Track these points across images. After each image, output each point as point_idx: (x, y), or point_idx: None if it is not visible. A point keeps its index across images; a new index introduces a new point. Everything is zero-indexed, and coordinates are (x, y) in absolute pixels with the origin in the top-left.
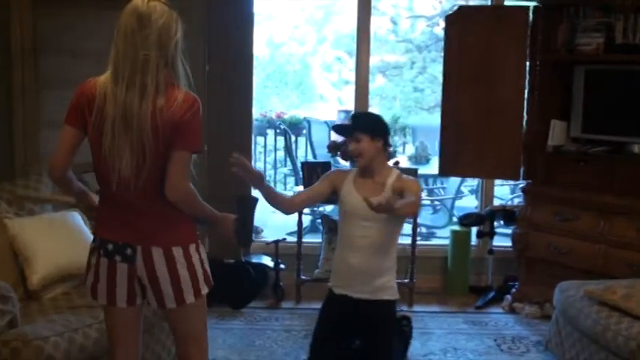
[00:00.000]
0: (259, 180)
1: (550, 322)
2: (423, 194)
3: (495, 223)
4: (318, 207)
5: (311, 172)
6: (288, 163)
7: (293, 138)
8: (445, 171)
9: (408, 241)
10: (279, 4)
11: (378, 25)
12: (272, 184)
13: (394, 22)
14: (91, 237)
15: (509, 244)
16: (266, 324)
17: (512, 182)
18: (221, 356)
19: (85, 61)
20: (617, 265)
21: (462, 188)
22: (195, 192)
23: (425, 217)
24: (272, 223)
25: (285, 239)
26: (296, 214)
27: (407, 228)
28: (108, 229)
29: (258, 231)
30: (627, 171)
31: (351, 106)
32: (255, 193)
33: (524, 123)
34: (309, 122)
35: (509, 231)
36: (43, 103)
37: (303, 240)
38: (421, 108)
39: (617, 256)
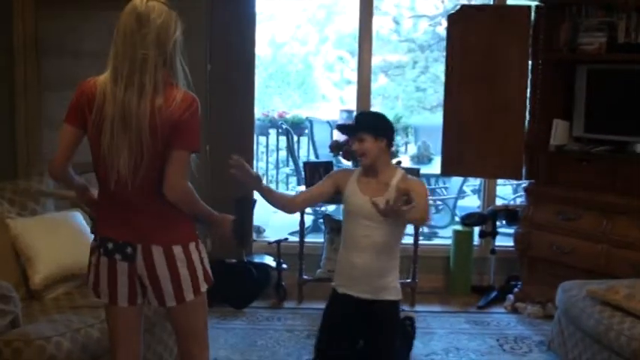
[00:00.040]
0: (257, 182)
1: (552, 322)
2: None
3: (498, 223)
4: (320, 207)
5: (313, 171)
6: (290, 162)
7: (295, 138)
8: (447, 171)
9: (410, 240)
10: (281, 3)
11: (380, 24)
12: (274, 184)
13: (396, 22)
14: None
15: (512, 243)
16: (268, 324)
17: (514, 182)
18: (223, 356)
19: (86, 61)
20: (620, 264)
21: (465, 188)
22: (194, 191)
23: None
24: (274, 223)
25: (287, 239)
26: (298, 214)
27: (409, 228)
28: (108, 227)
29: (260, 231)
30: (630, 170)
31: (353, 105)
32: (255, 194)
33: (526, 122)
34: (311, 122)
35: (511, 231)
36: (45, 103)
37: (305, 240)
38: (423, 108)
39: (619, 255)
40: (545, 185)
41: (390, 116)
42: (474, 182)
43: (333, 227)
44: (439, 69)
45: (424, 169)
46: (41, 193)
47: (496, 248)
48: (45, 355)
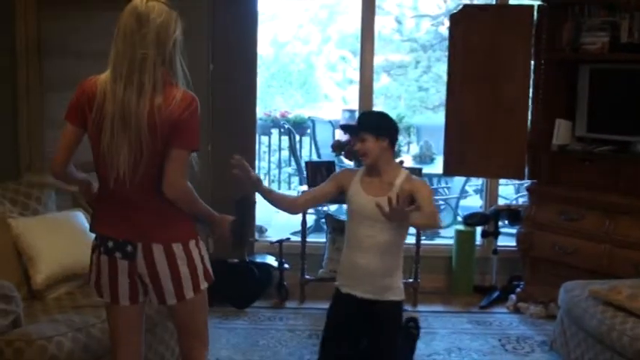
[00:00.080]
0: (256, 184)
1: (555, 322)
2: None
3: (500, 223)
4: (322, 206)
5: (315, 171)
6: (293, 162)
7: (297, 137)
8: (450, 170)
9: (412, 240)
10: (284, 3)
11: (382, 24)
12: (276, 184)
13: (399, 22)
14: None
15: (514, 243)
16: (270, 324)
17: (516, 182)
18: (225, 356)
19: (89, 62)
20: (623, 265)
21: (467, 188)
22: (193, 190)
23: None
24: (276, 223)
25: (289, 239)
26: (300, 214)
27: (411, 227)
28: (108, 225)
29: (263, 230)
30: (632, 170)
31: (355, 105)
32: (256, 195)
33: (529, 122)
34: (313, 122)
35: (513, 231)
36: (47, 104)
37: (307, 239)
38: (426, 107)
39: (622, 255)
40: (547, 185)
41: (393, 116)
42: (477, 182)
43: (335, 227)
44: (441, 69)
45: (426, 169)
46: (42, 185)
47: (498, 248)
48: (46, 355)
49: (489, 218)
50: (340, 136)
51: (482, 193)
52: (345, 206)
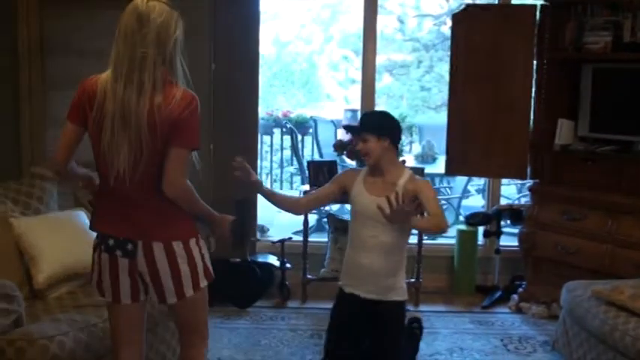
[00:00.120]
0: (257, 186)
1: (557, 322)
2: None
3: (502, 223)
4: (324, 206)
5: (317, 171)
6: (295, 162)
7: (299, 137)
8: (452, 170)
9: (414, 240)
10: (286, 2)
11: (384, 23)
12: (278, 183)
13: (401, 21)
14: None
15: (516, 243)
16: (272, 323)
17: (519, 181)
18: (227, 356)
19: (91, 61)
20: (625, 265)
21: (469, 187)
22: (193, 189)
23: None
24: (278, 223)
25: (291, 238)
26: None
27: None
28: (108, 224)
29: (264, 230)
30: (635, 170)
31: (357, 105)
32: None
33: (531, 122)
34: (315, 121)
35: (516, 230)
36: (50, 103)
37: (309, 239)
38: (428, 107)
39: (624, 256)
40: (550, 185)
41: (395, 115)
42: (479, 182)
43: (337, 227)
44: (444, 68)
45: (428, 169)
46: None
47: (500, 248)
48: (48, 354)
49: (491, 218)
50: (342, 135)
51: (485, 193)
52: (347, 206)
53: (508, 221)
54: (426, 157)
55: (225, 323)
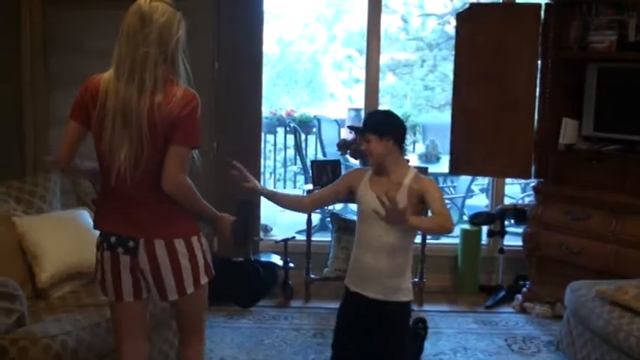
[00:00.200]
0: (254, 190)
1: (561, 322)
2: None
3: (506, 222)
4: (330, 205)
5: (320, 170)
6: (298, 161)
7: (303, 136)
8: (456, 169)
9: (417, 239)
10: (290, 2)
11: (388, 23)
12: (282, 183)
13: (405, 20)
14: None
15: (520, 243)
16: (275, 323)
17: (523, 181)
18: (229, 355)
19: (94, 60)
20: (629, 265)
21: (473, 187)
22: (193, 187)
23: None
24: (281, 222)
25: (294, 238)
26: (305, 213)
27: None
28: (110, 222)
29: (268, 229)
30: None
31: (361, 104)
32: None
33: (535, 121)
34: (319, 120)
35: (520, 230)
36: (53, 102)
37: (313, 238)
38: (432, 106)
39: (629, 255)
40: (554, 184)
41: (399, 115)
42: (482, 181)
43: (340, 226)
44: (447, 67)
45: (432, 168)
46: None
47: (504, 248)
48: (51, 353)
49: (495, 217)
50: (346, 134)
51: (488, 193)
52: (350, 205)
53: (512, 221)
54: (430, 157)
55: (228, 323)
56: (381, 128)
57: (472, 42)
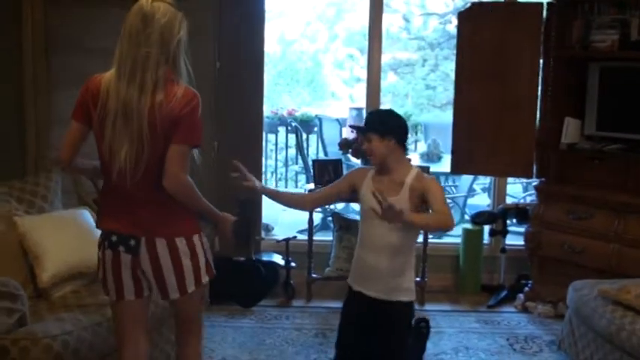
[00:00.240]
0: (255, 190)
1: (563, 322)
2: None
3: (508, 222)
4: (332, 204)
5: (322, 169)
6: (300, 160)
7: (304, 135)
8: (457, 169)
9: (419, 239)
10: (291, 1)
11: (390, 22)
12: (283, 182)
13: (406, 20)
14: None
15: (522, 242)
16: (276, 322)
17: (525, 180)
18: (231, 355)
19: (96, 60)
20: (632, 264)
21: (474, 186)
22: (194, 186)
23: None
24: (282, 221)
25: (295, 237)
26: (307, 213)
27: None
28: (112, 220)
29: (269, 229)
30: None
31: (362, 103)
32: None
33: (537, 120)
34: (320, 120)
35: (522, 229)
36: (54, 102)
37: (314, 238)
38: (433, 105)
39: (631, 255)
40: (556, 184)
41: (400, 114)
42: (484, 180)
43: (342, 225)
44: (449, 67)
45: (434, 167)
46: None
47: (506, 247)
48: (52, 353)
49: (497, 217)
50: (347, 134)
51: (490, 192)
52: (352, 205)
53: (514, 220)
54: (432, 156)
55: (229, 322)
56: (383, 127)
57: (474, 41)
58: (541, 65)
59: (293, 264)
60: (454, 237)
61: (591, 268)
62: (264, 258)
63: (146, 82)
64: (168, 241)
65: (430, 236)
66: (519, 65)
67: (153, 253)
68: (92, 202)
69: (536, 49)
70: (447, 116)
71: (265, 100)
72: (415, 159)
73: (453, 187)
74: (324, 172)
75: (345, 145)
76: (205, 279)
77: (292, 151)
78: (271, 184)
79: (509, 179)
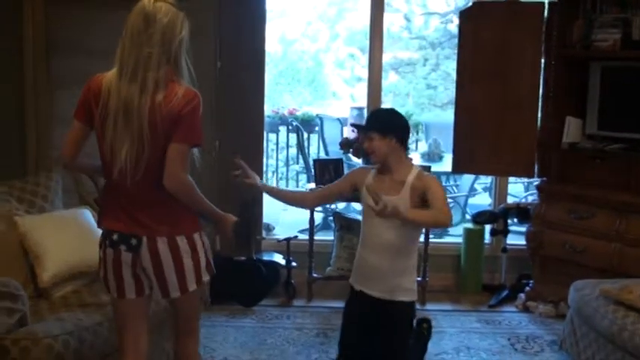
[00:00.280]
0: (255, 188)
1: (565, 322)
2: None
3: (509, 221)
4: (329, 204)
5: (323, 169)
6: (300, 160)
7: (305, 135)
8: (459, 168)
9: (420, 238)
10: (292, 0)
11: (391, 21)
12: (284, 181)
13: (407, 19)
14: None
15: (523, 242)
16: (277, 322)
17: (526, 180)
18: (232, 354)
19: (97, 60)
20: (634, 264)
21: (476, 186)
22: (194, 185)
23: None
24: (283, 221)
25: (296, 237)
26: (308, 212)
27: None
28: (113, 219)
29: (270, 228)
30: None
31: (363, 103)
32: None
33: (538, 120)
34: (321, 119)
35: (523, 229)
36: (56, 102)
37: (315, 237)
38: (434, 105)
39: (633, 254)
40: (557, 183)
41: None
42: (485, 180)
43: (342, 225)
44: (450, 66)
45: (435, 167)
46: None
47: (507, 246)
48: (52, 353)
49: (498, 216)
50: (348, 133)
51: (492, 191)
52: (353, 204)
53: (515, 220)
54: (433, 156)
55: (230, 322)
56: (384, 126)
57: (475, 40)
58: (542, 64)
59: (294, 264)
60: (455, 237)
61: (593, 268)
62: (265, 257)
63: (148, 81)
64: (169, 239)
65: (431, 236)
66: (521, 64)
67: (154, 251)
68: (93, 202)
69: (538, 48)
70: (448, 116)
71: (266, 99)
72: (416, 158)
73: (454, 187)
74: (325, 171)
75: (346, 144)
76: (206, 277)
77: (293, 151)
78: (272, 184)
79: (511, 179)
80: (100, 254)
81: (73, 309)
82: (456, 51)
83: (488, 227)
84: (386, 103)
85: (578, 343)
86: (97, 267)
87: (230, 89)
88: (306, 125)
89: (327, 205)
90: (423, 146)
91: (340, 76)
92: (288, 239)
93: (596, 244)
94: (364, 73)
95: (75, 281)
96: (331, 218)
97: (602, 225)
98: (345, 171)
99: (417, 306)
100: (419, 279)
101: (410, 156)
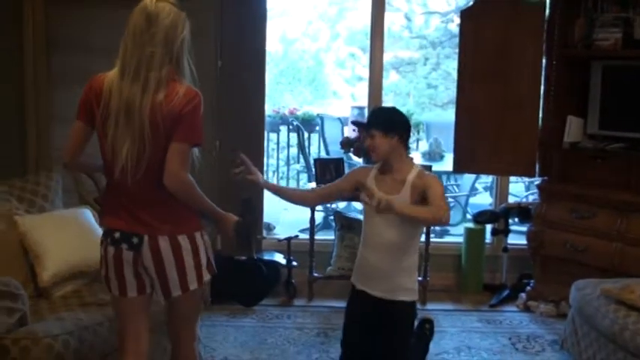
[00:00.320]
0: (257, 185)
1: (566, 321)
2: None
3: (510, 221)
4: (330, 203)
5: (324, 168)
6: (301, 159)
7: (306, 134)
8: (460, 167)
9: (421, 238)
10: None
11: (391, 21)
12: (284, 181)
13: (408, 19)
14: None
15: (524, 241)
16: (278, 322)
17: (527, 179)
18: (232, 354)
19: (97, 59)
20: (635, 263)
21: (477, 185)
22: (194, 184)
23: None
24: (284, 220)
25: (297, 236)
26: (308, 212)
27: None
28: (114, 218)
29: (271, 228)
30: None
31: (364, 102)
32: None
33: (539, 119)
34: (322, 118)
35: (524, 228)
36: (56, 101)
37: (316, 237)
38: (435, 104)
39: (634, 254)
40: (558, 183)
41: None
42: (486, 179)
43: (343, 224)
44: (451, 66)
45: (436, 167)
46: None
47: (508, 246)
48: (52, 353)
49: (499, 216)
50: (349, 132)
51: (492, 191)
52: (354, 203)
53: (516, 219)
54: (434, 155)
55: (231, 321)
56: (386, 124)
57: (476, 40)
58: (543, 64)
59: (294, 263)
60: (456, 236)
61: (594, 267)
62: (266, 257)
63: (149, 81)
64: (171, 238)
65: (432, 235)
66: (522, 64)
67: (155, 250)
68: (93, 201)
69: (539, 47)
70: (449, 115)
71: (267, 99)
72: (417, 158)
73: (455, 186)
74: (326, 171)
75: (346, 143)
76: (207, 276)
77: (294, 150)
78: (271, 182)
79: (512, 178)
80: (102, 252)
81: (73, 308)
82: (456, 50)
83: (489, 227)
84: (387, 103)
85: (580, 342)
86: (98, 266)
87: (231, 89)
88: (306, 125)
89: (328, 205)
90: (424, 146)
91: (341, 75)
92: (288, 239)
93: (597, 244)
94: (365, 73)
95: (75, 281)
96: (332, 217)
97: (603, 224)
98: (346, 170)
99: (418, 305)
100: (420, 278)
101: (411, 155)
